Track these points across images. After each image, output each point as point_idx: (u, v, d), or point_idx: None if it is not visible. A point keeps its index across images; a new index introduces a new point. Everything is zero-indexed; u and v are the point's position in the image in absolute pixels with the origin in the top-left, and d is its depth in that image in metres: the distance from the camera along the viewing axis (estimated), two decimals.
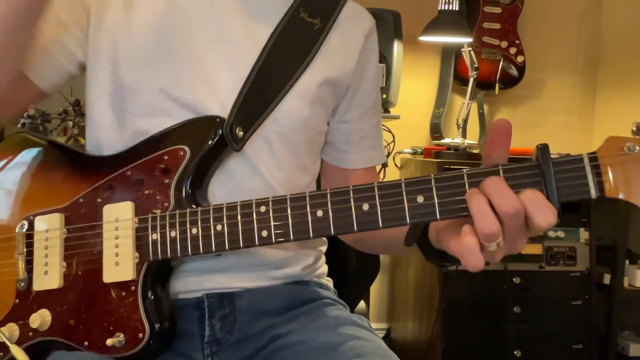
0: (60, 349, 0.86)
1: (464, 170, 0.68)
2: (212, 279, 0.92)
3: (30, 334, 0.87)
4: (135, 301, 0.83)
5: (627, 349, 2.46)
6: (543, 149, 0.65)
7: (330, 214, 0.73)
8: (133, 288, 0.83)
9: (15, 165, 0.96)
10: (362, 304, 1.91)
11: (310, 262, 1.02)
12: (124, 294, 0.84)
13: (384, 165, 2.35)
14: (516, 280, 2.23)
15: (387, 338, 2.77)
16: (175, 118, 0.89)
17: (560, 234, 2.28)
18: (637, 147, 0.63)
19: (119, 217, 0.85)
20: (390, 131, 2.36)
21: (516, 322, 2.22)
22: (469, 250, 0.65)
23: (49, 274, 0.87)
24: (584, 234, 2.30)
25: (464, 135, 2.49)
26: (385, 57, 2.22)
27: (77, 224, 0.88)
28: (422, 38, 2.43)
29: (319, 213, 0.74)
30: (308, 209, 0.75)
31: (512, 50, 2.71)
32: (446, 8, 2.35)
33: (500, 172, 0.66)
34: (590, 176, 0.64)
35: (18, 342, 0.86)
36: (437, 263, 0.80)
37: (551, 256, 2.27)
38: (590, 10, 2.94)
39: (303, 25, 0.96)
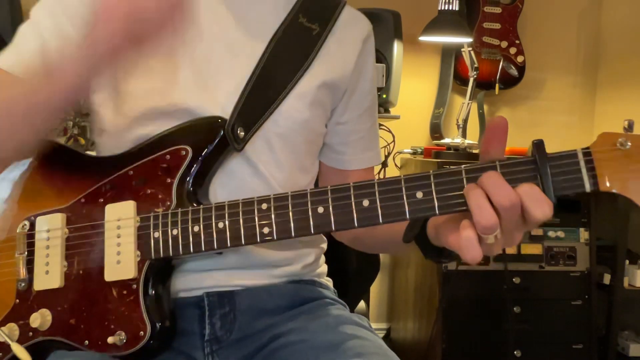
0: (60, 349, 0.86)
1: (462, 166, 0.70)
2: (212, 277, 0.92)
3: (31, 333, 0.87)
4: (137, 299, 0.83)
5: (627, 349, 2.46)
6: (538, 144, 0.67)
7: (331, 210, 0.74)
8: (134, 286, 0.83)
9: (17, 167, 0.96)
10: (362, 304, 1.91)
11: (310, 261, 1.02)
12: (125, 292, 0.84)
13: (384, 165, 2.36)
14: (516, 280, 2.23)
15: (387, 338, 2.78)
16: (176, 122, 0.90)
17: (560, 234, 2.28)
18: (629, 143, 0.65)
19: (120, 216, 0.85)
20: (390, 131, 2.36)
21: (516, 322, 2.22)
22: (467, 242, 0.67)
23: (50, 274, 0.87)
24: (584, 234, 2.30)
25: (464, 135, 2.49)
26: (385, 57, 2.22)
27: (78, 223, 0.88)
28: (422, 38, 2.43)
29: (320, 209, 0.75)
30: (309, 205, 0.76)
31: (512, 50, 2.71)
32: (446, 8, 2.35)
33: (497, 167, 0.68)
34: (584, 170, 0.66)
35: (18, 342, 0.86)
36: (435, 260, 0.81)
37: (551, 256, 2.27)
38: (590, 10, 2.95)
39: (302, 30, 0.98)
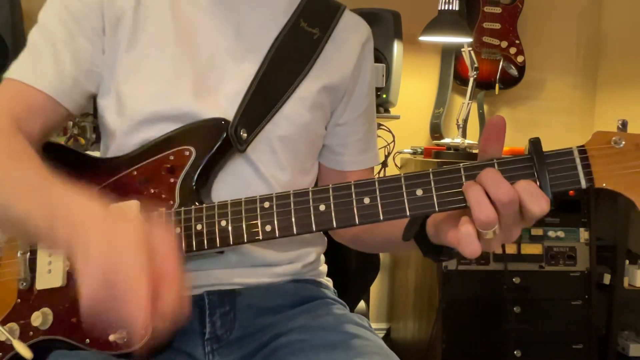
0: (60, 349, 0.86)
1: (461, 164, 0.71)
2: (212, 275, 0.92)
3: (31, 333, 0.87)
4: None
5: (627, 349, 2.45)
6: (535, 142, 0.69)
7: (333, 208, 0.75)
8: None
9: None
10: (362, 304, 1.92)
11: (311, 261, 1.03)
12: None
13: (384, 165, 2.36)
14: (516, 280, 2.23)
15: (387, 338, 2.78)
16: (178, 125, 0.91)
17: (560, 234, 2.28)
18: (623, 141, 0.68)
19: None
20: (390, 131, 2.36)
21: (516, 322, 2.22)
22: (466, 237, 0.68)
23: (52, 273, 0.87)
24: (584, 234, 2.30)
25: (464, 135, 2.49)
26: (385, 57, 2.23)
27: None
28: (422, 38, 2.43)
29: (322, 207, 0.76)
30: (311, 203, 0.76)
31: (512, 50, 2.71)
32: (446, 8, 2.35)
33: (495, 165, 0.70)
34: (579, 168, 0.68)
35: None
36: (434, 259, 0.82)
37: (551, 256, 2.27)
38: (590, 10, 2.95)
39: (303, 35, 0.99)
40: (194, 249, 0.82)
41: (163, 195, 0.87)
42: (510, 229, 0.69)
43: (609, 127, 0.71)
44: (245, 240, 0.80)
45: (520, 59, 2.73)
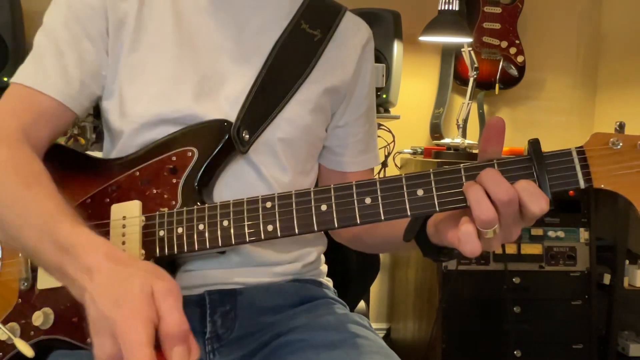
0: (61, 348, 0.86)
1: (461, 164, 0.72)
2: (213, 275, 0.93)
3: (32, 332, 0.87)
4: None
5: (627, 349, 2.45)
6: (534, 143, 0.70)
7: (334, 208, 0.76)
8: None
9: None
10: (362, 304, 1.91)
11: (311, 260, 1.03)
12: None
13: (384, 165, 2.36)
14: (516, 280, 2.23)
15: (387, 338, 2.77)
16: (180, 127, 0.92)
17: (560, 234, 2.28)
18: (621, 143, 0.69)
19: (126, 215, 0.86)
20: (390, 131, 2.36)
21: (516, 322, 2.22)
22: (466, 235, 0.68)
23: None
24: (584, 234, 2.30)
25: (464, 135, 2.49)
26: (385, 57, 2.23)
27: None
28: (422, 38, 2.43)
29: (323, 207, 0.76)
30: (312, 203, 0.77)
31: (512, 50, 2.71)
32: (446, 8, 2.35)
33: (495, 165, 0.70)
34: (578, 168, 0.69)
35: None
36: (434, 259, 0.83)
37: (551, 256, 2.27)
38: (590, 10, 2.95)
39: (304, 37, 1.00)
40: (196, 248, 0.82)
41: (165, 196, 0.88)
42: (510, 229, 0.70)
43: (609, 127, 0.72)
44: (247, 240, 0.80)
45: (520, 59, 2.73)
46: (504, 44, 2.71)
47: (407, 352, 2.51)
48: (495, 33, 2.70)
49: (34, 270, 0.89)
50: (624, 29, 2.82)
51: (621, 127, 0.71)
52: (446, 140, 2.55)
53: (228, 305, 0.93)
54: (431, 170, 0.73)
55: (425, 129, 2.78)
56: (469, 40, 2.43)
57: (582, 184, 0.69)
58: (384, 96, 2.24)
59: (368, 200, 0.74)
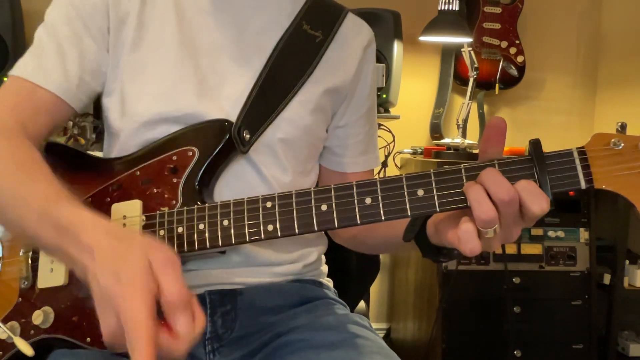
0: (61, 347, 0.86)
1: (462, 165, 0.72)
2: (214, 275, 0.93)
3: (32, 331, 0.87)
4: None
5: (627, 349, 2.45)
6: (535, 143, 0.70)
7: (334, 208, 0.76)
8: None
9: None
10: (362, 304, 1.91)
11: (312, 261, 1.03)
12: None
13: (384, 165, 2.36)
14: (516, 280, 2.23)
15: (387, 338, 2.78)
16: (181, 127, 0.92)
17: (560, 234, 2.28)
18: (622, 143, 0.69)
19: (126, 215, 0.86)
20: (390, 131, 2.36)
21: (516, 322, 2.22)
22: (466, 234, 0.68)
23: (54, 271, 0.87)
24: (584, 234, 2.30)
25: (464, 135, 2.49)
26: (385, 57, 2.23)
27: None
28: (422, 38, 2.43)
29: (324, 207, 0.76)
30: (313, 203, 0.77)
31: (512, 50, 2.72)
32: (446, 8, 2.35)
33: (496, 165, 0.70)
34: (579, 169, 0.69)
35: None
36: (434, 259, 0.82)
37: (551, 256, 2.27)
38: (590, 10, 2.95)
39: (305, 38, 1.00)
40: (196, 248, 0.82)
41: (166, 195, 0.88)
42: (511, 229, 0.69)
43: (609, 127, 0.72)
44: (247, 240, 0.80)
45: (520, 59, 2.73)
46: (504, 44, 2.71)
47: (407, 352, 2.51)
48: (495, 33, 2.70)
49: (34, 269, 0.89)
50: (624, 29, 2.82)
51: (623, 127, 0.71)
52: (446, 140, 2.55)
53: (228, 305, 0.93)
54: (432, 170, 0.72)
55: (425, 129, 2.78)
56: (469, 40, 2.43)
57: (583, 185, 0.69)
58: (384, 96, 2.24)
59: (368, 200, 0.74)
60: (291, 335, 0.92)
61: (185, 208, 0.84)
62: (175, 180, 0.88)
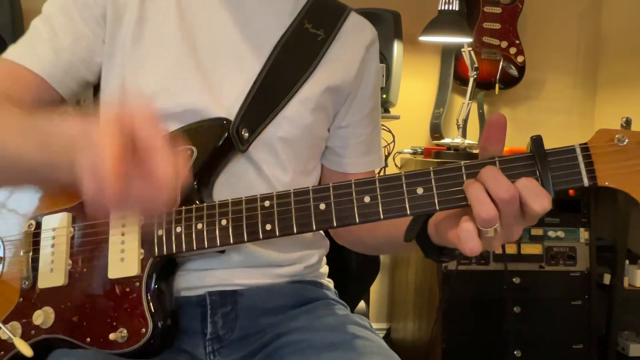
0: (61, 347, 0.86)
1: (462, 162, 0.70)
2: (214, 276, 0.93)
3: (33, 332, 0.87)
4: (139, 297, 0.83)
5: (627, 349, 2.46)
6: (537, 140, 0.68)
7: (333, 207, 0.75)
8: (137, 284, 0.84)
9: None
10: (362, 304, 1.91)
11: (313, 262, 1.03)
12: (128, 289, 0.84)
13: (384, 166, 2.36)
14: (516, 280, 2.23)
15: (387, 338, 2.77)
16: (181, 124, 0.91)
17: (560, 234, 2.28)
18: (627, 139, 0.67)
19: (125, 215, 0.86)
20: (390, 131, 2.36)
21: (516, 322, 2.22)
22: (466, 233, 0.67)
23: (54, 272, 0.88)
24: (584, 234, 2.30)
25: (464, 135, 2.49)
26: (385, 57, 2.23)
27: (84, 223, 0.89)
28: (422, 38, 2.43)
29: (322, 206, 0.76)
30: (311, 202, 0.76)
31: (512, 50, 2.71)
32: (446, 8, 2.35)
33: (497, 163, 0.69)
34: (582, 165, 0.67)
35: None
36: (435, 259, 0.82)
37: (551, 256, 2.27)
38: (590, 10, 2.95)
39: (307, 36, 0.99)
40: (195, 247, 0.82)
41: None
42: (512, 228, 0.68)
43: (609, 126, 0.70)
44: (246, 240, 0.80)
45: (520, 59, 2.73)
46: (504, 44, 2.71)
47: (407, 352, 2.51)
48: (495, 33, 2.70)
49: (35, 270, 0.89)
50: (624, 29, 2.82)
51: (628, 123, 0.69)
52: (446, 140, 2.55)
53: (229, 306, 0.93)
54: (431, 168, 0.72)
55: (425, 129, 2.78)
56: (469, 40, 2.43)
57: (586, 182, 0.67)
58: (384, 96, 2.24)
59: (367, 199, 0.73)
60: (291, 336, 0.92)
61: (183, 208, 0.84)
62: None
